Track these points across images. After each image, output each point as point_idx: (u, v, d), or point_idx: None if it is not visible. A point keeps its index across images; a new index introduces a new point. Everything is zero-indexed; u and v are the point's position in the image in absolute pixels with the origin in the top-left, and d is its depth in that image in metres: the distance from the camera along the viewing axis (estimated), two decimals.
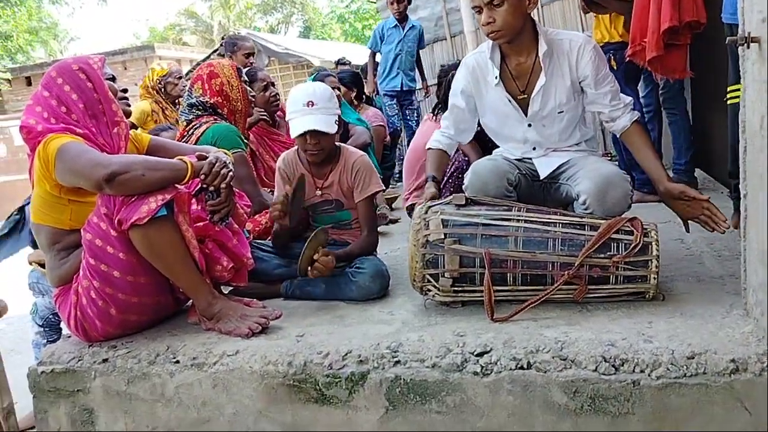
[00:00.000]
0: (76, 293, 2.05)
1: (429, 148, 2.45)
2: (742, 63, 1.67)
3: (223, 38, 5.14)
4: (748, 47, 1.56)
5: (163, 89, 4.50)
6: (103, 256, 1.96)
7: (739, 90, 2.35)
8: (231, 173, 2.07)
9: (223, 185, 2.03)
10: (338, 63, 8.95)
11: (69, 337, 2.23)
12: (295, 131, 2.36)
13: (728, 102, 2.42)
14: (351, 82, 5.23)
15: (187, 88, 3.18)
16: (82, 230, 1.99)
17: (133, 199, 1.90)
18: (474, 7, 2.16)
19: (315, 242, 2.21)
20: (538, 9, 6.88)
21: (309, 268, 2.21)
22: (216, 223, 2.09)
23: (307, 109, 2.34)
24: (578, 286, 1.92)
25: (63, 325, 2.61)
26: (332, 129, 2.37)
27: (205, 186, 2.04)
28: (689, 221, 2.14)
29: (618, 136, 2.30)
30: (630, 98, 2.27)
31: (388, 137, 5.46)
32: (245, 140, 3.05)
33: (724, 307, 1.82)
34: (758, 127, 1.52)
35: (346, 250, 2.39)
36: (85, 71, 2.14)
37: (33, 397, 2.09)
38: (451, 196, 2.14)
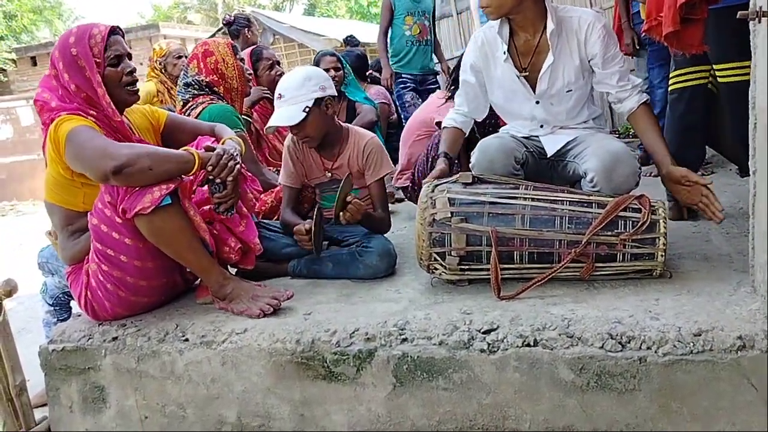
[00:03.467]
0: (87, 274, 2.06)
1: (444, 127, 2.45)
2: (753, 38, 1.64)
3: (224, 21, 5.04)
4: (759, 22, 1.54)
5: (164, 69, 4.48)
6: (109, 241, 1.96)
7: (732, 68, 2.34)
8: (238, 165, 2.04)
9: (229, 178, 2.01)
10: (346, 42, 8.89)
11: (79, 315, 2.25)
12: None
13: (722, 80, 2.39)
14: (354, 63, 5.20)
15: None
16: (88, 215, 1.99)
17: (136, 189, 1.88)
18: None
19: (345, 188, 2.23)
20: None
21: (341, 213, 2.24)
22: (221, 214, 2.07)
23: (278, 102, 2.39)
24: (585, 263, 1.92)
25: (73, 303, 2.63)
26: (295, 119, 2.36)
27: (211, 178, 2.02)
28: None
29: (625, 117, 2.29)
30: (639, 80, 2.25)
31: (394, 114, 5.42)
32: (243, 119, 3.04)
33: (731, 284, 1.82)
34: (767, 104, 1.50)
35: (370, 213, 2.41)
36: (78, 52, 2.02)
37: (44, 374, 2.12)
38: (458, 174, 2.14)
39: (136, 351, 1.99)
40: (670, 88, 2.67)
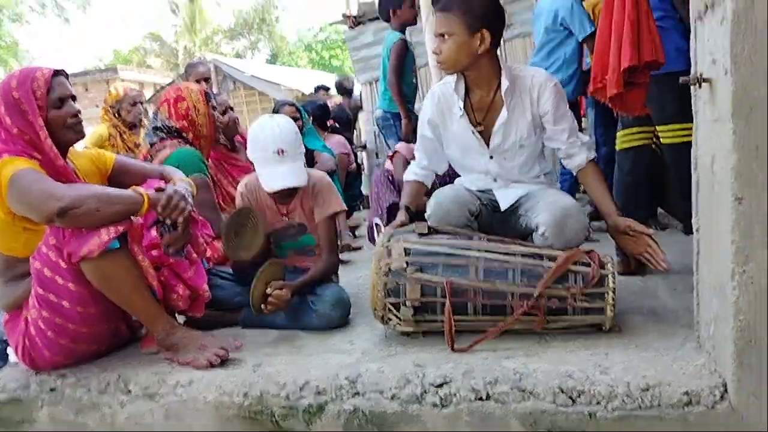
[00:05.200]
0: (26, 321, 1.97)
1: (406, 180, 2.49)
2: (694, 102, 1.73)
3: (179, 63, 5.08)
4: (700, 87, 1.62)
5: (117, 114, 4.37)
6: (52, 286, 1.89)
7: (673, 130, 2.47)
8: (189, 206, 2.01)
9: (180, 219, 1.98)
10: (318, 89, 9.02)
11: (16, 364, 2.14)
12: (270, 185, 2.37)
13: (665, 141, 2.52)
14: (316, 112, 5.28)
15: (143, 112, 3.13)
16: (31, 258, 1.92)
17: (83, 231, 1.83)
18: (434, 33, 2.24)
19: (266, 275, 2.19)
20: (501, 44, 7.05)
21: (262, 305, 2.18)
22: (171, 256, 2.03)
23: (279, 157, 2.33)
24: (537, 316, 1.94)
25: (10, 351, 2.51)
26: (304, 175, 2.39)
27: (161, 219, 1.98)
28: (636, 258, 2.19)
29: (574, 173, 2.36)
30: (588, 137, 2.34)
31: (354, 164, 5.47)
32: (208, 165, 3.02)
33: (678, 340, 1.85)
34: (709, 165, 1.57)
35: (305, 279, 2.35)
36: (20, 96, 1.98)
37: None
38: (414, 224, 2.15)
39: (74, 402, 1.90)
40: (617, 148, 2.78)
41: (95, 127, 4.54)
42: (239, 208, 2.35)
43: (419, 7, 5.13)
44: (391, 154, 3.74)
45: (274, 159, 2.34)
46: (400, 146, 3.71)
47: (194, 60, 4.79)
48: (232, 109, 3.67)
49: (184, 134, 2.92)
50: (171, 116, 2.92)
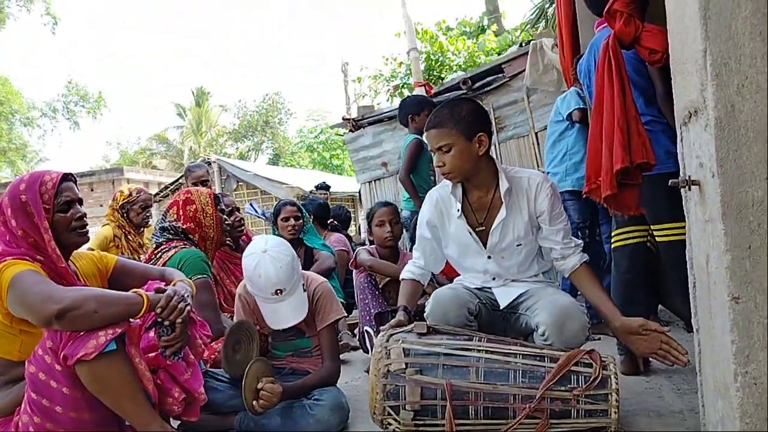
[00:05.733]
0: (16, 427, 1.92)
1: (402, 279, 2.50)
2: (685, 204, 1.77)
3: (182, 163, 5.20)
4: (690, 189, 1.66)
5: (125, 214, 4.40)
6: (45, 390, 1.85)
7: (667, 229, 2.51)
8: (188, 308, 2.01)
9: (178, 320, 1.97)
10: (318, 187, 9.22)
11: None
12: (273, 325, 2.38)
13: (660, 240, 2.55)
14: (317, 211, 5.37)
15: (151, 216, 3.18)
16: (26, 362, 1.89)
17: (80, 333, 1.81)
18: (430, 149, 2.31)
19: (254, 372, 2.16)
20: (495, 146, 7.29)
21: (254, 402, 2.13)
22: (168, 358, 2.00)
23: (277, 297, 2.34)
24: (540, 419, 1.89)
25: None
26: (305, 308, 2.38)
27: (160, 320, 1.97)
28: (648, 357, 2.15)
29: (566, 275, 2.37)
30: (580, 241, 2.37)
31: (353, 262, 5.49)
32: (212, 266, 3.04)
33: None
34: (704, 264, 1.59)
35: (303, 382, 2.31)
36: (28, 199, 2.02)
37: None
38: (413, 324, 2.14)
39: None
40: (612, 246, 2.80)
41: (99, 227, 4.55)
42: (233, 326, 2.32)
43: None
44: (353, 263, 3.76)
45: (274, 299, 2.34)
46: (361, 249, 3.77)
47: (192, 163, 4.85)
48: (238, 210, 3.75)
49: (191, 236, 2.97)
50: (179, 218, 2.98)
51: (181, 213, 2.99)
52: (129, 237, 4.33)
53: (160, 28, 79.62)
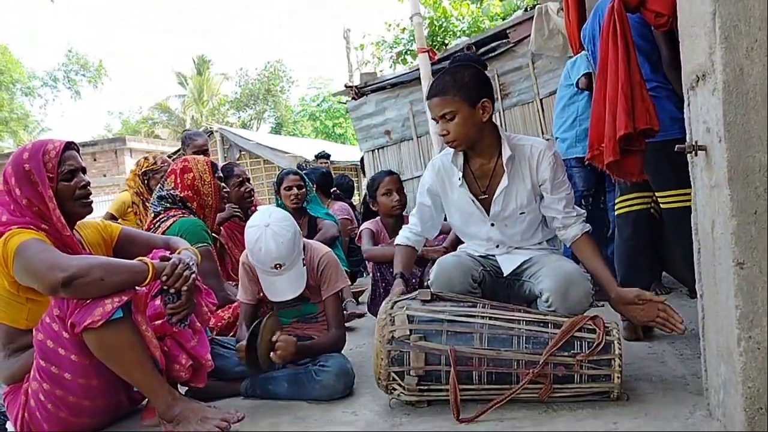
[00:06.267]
0: (26, 394, 1.95)
1: (397, 245, 2.50)
2: (691, 169, 1.76)
3: (183, 131, 5.14)
4: (696, 155, 1.65)
5: (146, 182, 4.39)
6: (54, 357, 1.88)
7: (672, 196, 2.50)
8: (194, 275, 2.02)
9: (184, 288, 1.98)
10: (318, 156, 9.19)
11: None
12: (271, 296, 2.38)
13: (664, 207, 2.54)
14: (320, 180, 5.36)
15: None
16: (34, 330, 1.91)
17: (87, 301, 1.83)
18: (432, 118, 2.28)
19: (270, 326, 2.17)
20: (499, 113, 7.23)
21: (271, 354, 2.15)
22: (174, 325, 2.02)
23: (276, 271, 2.33)
24: (543, 384, 1.91)
25: (9, 425, 2.47)
26: (303, 282, 2.38)
27: (165, 288, 1.98)
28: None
29: (568, 245, 2.37)
30: (583, 210, 2.37)
31: (357, 230, 5.51)
32: (212, 234, 3.05)
33: (687, 407, 1.82)
34: (709, 230, 1.59)
35: (313, 343, 2.35)
36: (31, 167, 2.03)
37: None
38: (417, 291, 2.15)
39: None
40: (616, 213, 2.80)
41: (103, 196, 4.57)
42: (254, 326, 2.25)
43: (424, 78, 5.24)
44: (358, 233, 3.75)
45: (272, 272, 2.34)
46: (367, 224, 3.75)
47: (191, 131, 4.82)
48: (248, 180, 3.73)
49: (189, 204, 2.97)
50: (177, 186, 2.97)
51: (179, 181, 2.98)
52: (146, 204, 4.31)
53: (160, 27, 79.04)
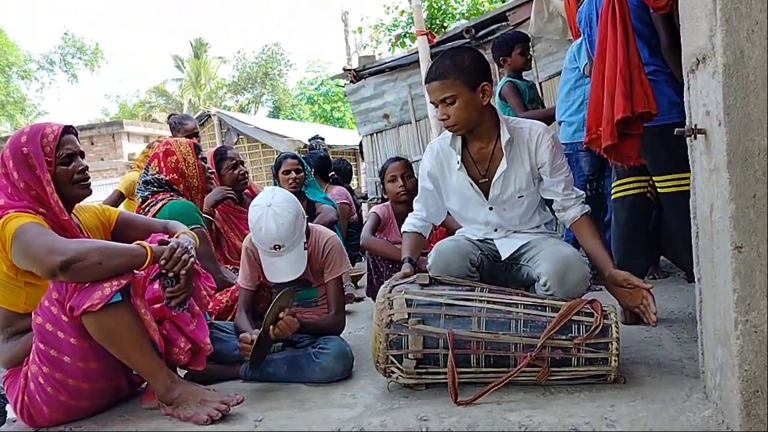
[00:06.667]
0: (25, 377, 1.96)
1: (404, 232, 2.50)
2: (690, 153, 1.75)
3: (169, 116, 5.12)
4: (695, 138, 1.65)
5: None
6: (53, 340, 1.88)
7: (669, 180, 2.49)
8: (192, 258, 2.03)
9: (182, 271, 1.98)
10: (312, 140, 9.14)
11: (14, 421, 2.11)
12: (271, 278, 2.39)
13: (662, 191, 2.54)
14: (318, 164, 5.35)
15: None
16: (33, 313, 1.92)
17: (86, 285, 1.83)
18: (431, 102, 2.26)
19: (280, 302, 2.18)
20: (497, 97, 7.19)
21: (271, 327, 2.16)
22: (173, 309, 2.02)
23: (275, 251, 2.33)
24: (541, 368, 1.92)
25: (9, 408, 2.48)
26: (303, 264, 2.38)
27: (164, 271, 1.99)
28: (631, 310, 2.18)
29: (567, 226, 2.38)
30: (582, 192, 2.37)
31: (355, 214, 5.51)
32: (205, 218, 3.04)
33: (684, 390, 1.83)
34: (708, 214, 1.59)
35: (314, 322, 2.37)
36: (29, 151, 2.02)
37: None
38: (415, 275, 2.15)
39: None
40: (612, 197, 2.80)
41: (100, 180, 4.62)
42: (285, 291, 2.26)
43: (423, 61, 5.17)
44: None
45: (271, 253, 2.35)
46: (376, 208, 3.74)
47: (179, 116, 4.80)
48: (242, 163, 3.72)
49: (176, 187, 2.96)
50: (161, 170, 2.96)
51: (162, 165, 2.97)
52: None
53: (159, 27, 78.40)
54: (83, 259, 1.81)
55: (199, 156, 3.05)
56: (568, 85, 3.83)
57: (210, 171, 3.13)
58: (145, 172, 3.02)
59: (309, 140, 9.30)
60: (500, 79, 4.45)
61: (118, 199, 4.94)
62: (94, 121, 25.96)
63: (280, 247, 2.31)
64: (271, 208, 2.31)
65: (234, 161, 3.66)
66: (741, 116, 1.40)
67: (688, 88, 1.73)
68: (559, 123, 3.88)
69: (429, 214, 2.49)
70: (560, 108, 3.89)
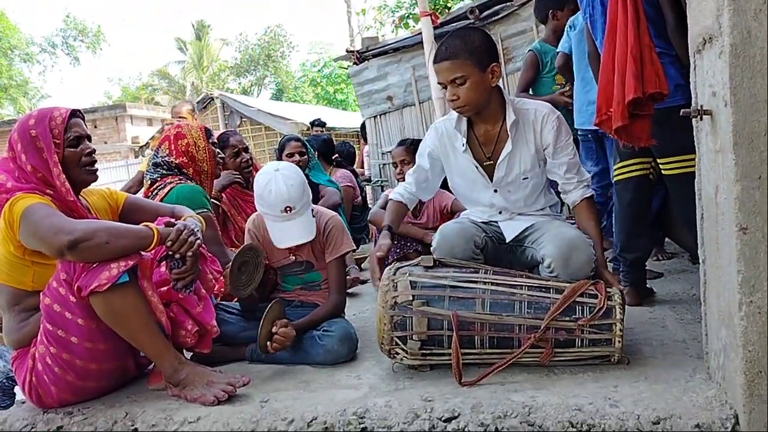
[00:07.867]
0: (33, 358, 1.98)
1: (390, 199, 2.53)
2: (696, 134, 1.74)
3: (172, 108, 5.06)
4: (701, 119, 1.64)
5: None
6: (60, 321, 1.90)
7: (674, 162, 2.48)
8: (199, 241, 2.04)
9: (189, 253, 1.99)
10: (313, 124, 9.13)
11: (23, 402, 2.14)
12: (281, 243, 2.38)
13: (666, 173, 2.52)
14: (321, 147, 5.34)
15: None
16: (41, 294, 1.93)
17: (93, 265, 1.85)
18: (439, 83, 2.25)
19: (271, 316, 2.20)
20: (503, 77, 7.15)
21: (268, 343, 2.19)
22: (180, 290, 2.04)
23: (286, 215, 2.34)
24: (545, 349, 1.93)
25: (17, 389, 2.51)
26: (314, 228, 2.40)
27: (170, 253, 2.00)
28: None
29: (571, 208, 2.38)
30: (587, 175, 2.36)
31: (359, 197, 5.51)
32: (211, 200, 3.05)
33: (687, 371, 1.84)
34: (713, 195, 1.58)
35: (310, 317, 2.35)
36: (38, 133, 2.03)
37: None
38: (420, 258, 2.16)
39: None
40: (615, 179, 2.79)
41: (104, 163, 4.60)
42: (243, 247, 2.36)
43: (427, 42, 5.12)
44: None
45: (282, 217, 2.35)
46: (389, 192, 3.74)
47: (177, 104, 4.80)
48: (246, 150, 3.72)
49: (185, 170, 2.96)
50: (172, 153, 2.96)
51: (173, 148, 2.97)
52: None
53: (159, 26, 77.88)
54: (90, 239, 1.83)
55: (210, 140, 3.05)
56: (583, 71, 3.69)
57: (220, 156, 3.13)
58: (155, 155, 3.02)
59: (310, 123, 9.30)
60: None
61: (142, 179, 4.93)
62: (97, 105, 25.93)
63: (291, 209, 2.33)
64: (279, 172, 2.36)
65: (236, 149, 3.65)
66: (747, 97, 1.39)
67: (695, 69, 1.71)
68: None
69: (419, 189, 2.52)
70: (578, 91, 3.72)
